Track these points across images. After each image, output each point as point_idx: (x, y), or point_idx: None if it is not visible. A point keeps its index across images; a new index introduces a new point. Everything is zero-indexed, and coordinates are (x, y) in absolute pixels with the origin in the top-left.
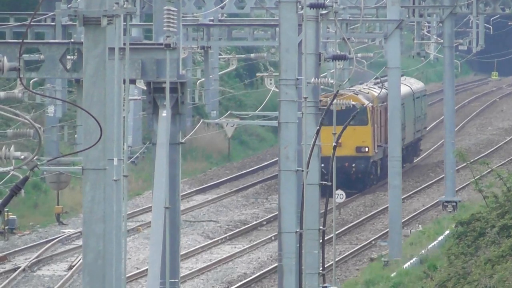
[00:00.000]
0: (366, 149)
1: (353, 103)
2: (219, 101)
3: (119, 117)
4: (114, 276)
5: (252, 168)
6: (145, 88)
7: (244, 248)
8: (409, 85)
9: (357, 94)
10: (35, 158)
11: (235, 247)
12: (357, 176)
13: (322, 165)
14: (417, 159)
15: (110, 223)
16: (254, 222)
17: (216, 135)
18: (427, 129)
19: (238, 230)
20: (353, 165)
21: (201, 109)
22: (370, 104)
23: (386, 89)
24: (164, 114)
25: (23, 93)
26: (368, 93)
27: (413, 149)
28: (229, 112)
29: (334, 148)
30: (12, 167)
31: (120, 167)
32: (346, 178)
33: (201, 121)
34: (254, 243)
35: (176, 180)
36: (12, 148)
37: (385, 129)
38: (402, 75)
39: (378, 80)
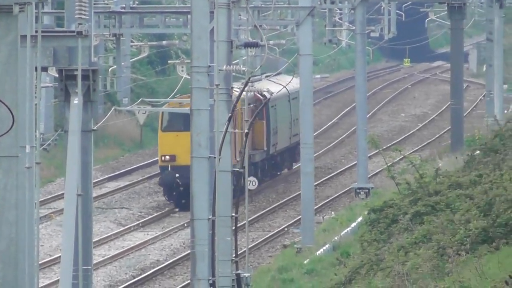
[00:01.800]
0: None
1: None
2: (131, 88)
3: (31, 104)
4: (27, 263)
5: None
6: (57, 75)
7: (156, 235)
8: (284, 84)
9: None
10: None
11: (147, 234)
12: None
13: (177, 175)
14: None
15: (22, 210)
16: (167, 209)
17: (128, 122)
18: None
19: (150, 217)
20: None
21: (113, 96)
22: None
23: (258, 92)
24: (76, 101)
25: None
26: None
27: (290, 155)
28: (140, 99)
29: (246, 135)
30: None
31: (33, 154)
32: (186, 194)
33: (113, 108)
34: (167, 230)
35: (88, 167)
36: None
37: (252, 134)
38: (279, 73)
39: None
